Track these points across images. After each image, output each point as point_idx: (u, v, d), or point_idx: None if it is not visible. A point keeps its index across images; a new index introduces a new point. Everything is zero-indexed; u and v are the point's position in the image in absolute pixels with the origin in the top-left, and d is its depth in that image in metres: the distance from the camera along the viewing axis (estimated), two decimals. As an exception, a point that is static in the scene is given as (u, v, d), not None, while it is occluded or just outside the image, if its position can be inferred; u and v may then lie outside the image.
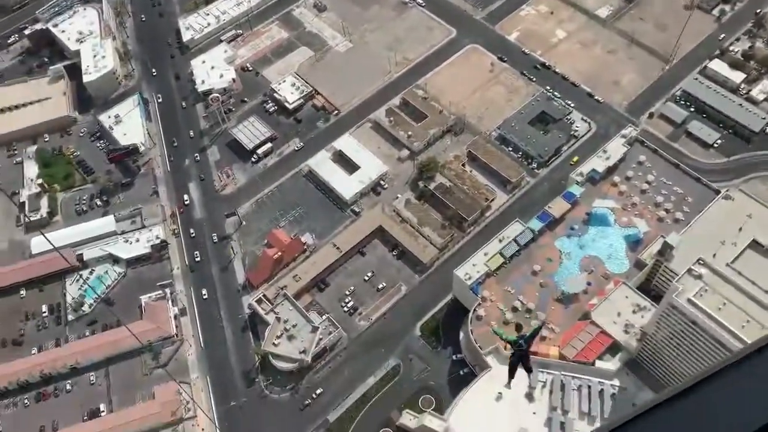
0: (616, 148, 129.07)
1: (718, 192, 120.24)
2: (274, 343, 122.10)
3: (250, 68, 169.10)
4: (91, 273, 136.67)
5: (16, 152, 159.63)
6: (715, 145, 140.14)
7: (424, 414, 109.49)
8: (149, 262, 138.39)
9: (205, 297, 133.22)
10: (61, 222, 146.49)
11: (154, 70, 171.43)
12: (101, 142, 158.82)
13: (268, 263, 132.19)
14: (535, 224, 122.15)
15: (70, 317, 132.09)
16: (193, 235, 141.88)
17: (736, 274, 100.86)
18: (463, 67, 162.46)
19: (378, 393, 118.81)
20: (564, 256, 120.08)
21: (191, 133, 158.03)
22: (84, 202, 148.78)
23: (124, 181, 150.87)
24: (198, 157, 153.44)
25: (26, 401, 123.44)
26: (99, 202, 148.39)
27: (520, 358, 42.19)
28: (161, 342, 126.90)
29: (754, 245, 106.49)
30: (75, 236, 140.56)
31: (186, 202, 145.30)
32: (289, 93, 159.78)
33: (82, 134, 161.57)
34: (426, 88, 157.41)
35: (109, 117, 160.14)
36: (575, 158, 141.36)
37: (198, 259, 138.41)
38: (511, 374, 44.57)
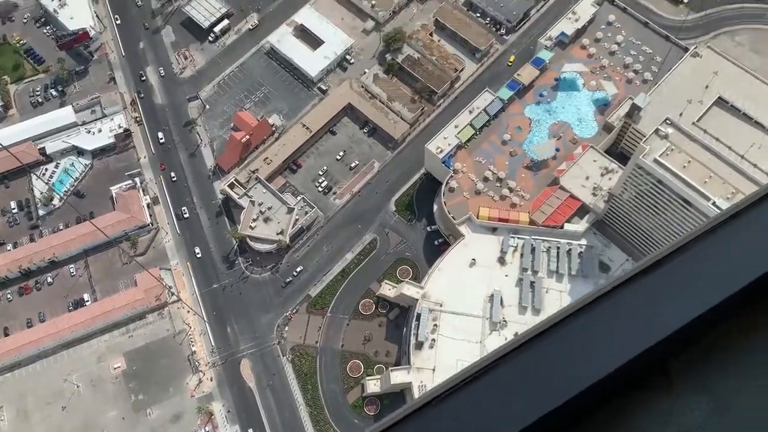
0: (584, 8, 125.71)
1: (686, 50, 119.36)
2: (250, 226, 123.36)
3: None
4: (56, 167, 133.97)
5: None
6: (685, 0, 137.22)
7: (402, 283, 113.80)
8: (115, 152, 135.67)
9: (174, 179, 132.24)
10: (17, 116, 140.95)
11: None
12: (48, 28, 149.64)
13: (237, 147, 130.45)
14: (505, 93, 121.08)
15: (41, 212, 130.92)
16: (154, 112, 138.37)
17: (702, 132, 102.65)
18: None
19: (357, 267, 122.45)
20: (533, 123, 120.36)
21: (144, 20, 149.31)
22: (38, 93, 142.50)
23: (77, 69, 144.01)
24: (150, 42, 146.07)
25: (9, 296, 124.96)
26: (54, 93, 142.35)
27: None
28: (137, 231, 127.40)
29: (720, 102, 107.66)
30: (34, 129, 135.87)
31: (161, 141, 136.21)
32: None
33: (25, 20, 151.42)
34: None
35: (52, 0, 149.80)
36: (512, 58, 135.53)
37: (163, 140, 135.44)
38: None
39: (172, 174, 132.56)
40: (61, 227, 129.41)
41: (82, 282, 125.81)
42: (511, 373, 4.75)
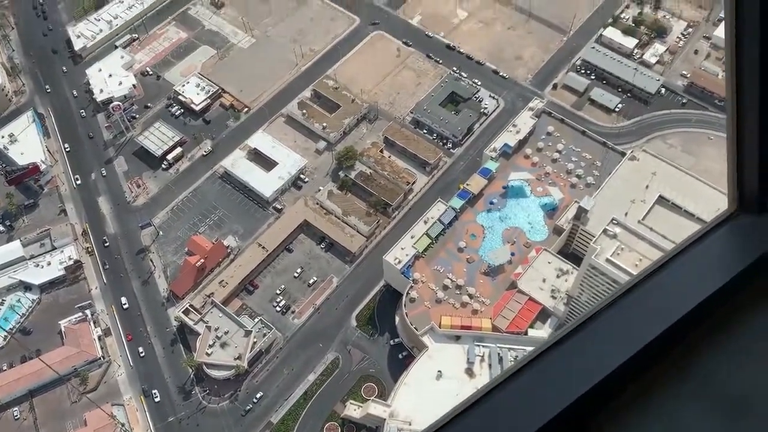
0: (524, 121, 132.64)
1: (623, 154, 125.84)
2: (207, 353, 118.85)
3: (150, 72, 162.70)
4: (1, 304, 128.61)
5: None
6: (617, 110, 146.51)
7: (367, 402, 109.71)
8: (64, 285, 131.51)
9: (125, 307, 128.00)
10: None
11: (47, 87, 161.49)
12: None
13: (191, 272, 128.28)
14: (456, 202, 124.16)
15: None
16: (107, 245, 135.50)
17: (648, 229, 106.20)
18: (370, 55, 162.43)
19: (319, 388, 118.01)
20: (486, 230, 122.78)
21: (95, 145, 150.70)
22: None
23: (27, 202, 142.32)
24: (104, 171, 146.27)
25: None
26: (2, 228, 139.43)
27: None
28: (88, 366, 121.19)
29: (661, 200, 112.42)
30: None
31: (125, 305, 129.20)
32: (195, 94, 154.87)
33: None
34: (336, 78, 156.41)
35: (3, 137, 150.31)
36: (461, 185, 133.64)
37: (117, 276, 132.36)
38: None
39: (123, 301, 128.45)
40: (4, 367, 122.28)
41: (26, 426, 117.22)
42: None
